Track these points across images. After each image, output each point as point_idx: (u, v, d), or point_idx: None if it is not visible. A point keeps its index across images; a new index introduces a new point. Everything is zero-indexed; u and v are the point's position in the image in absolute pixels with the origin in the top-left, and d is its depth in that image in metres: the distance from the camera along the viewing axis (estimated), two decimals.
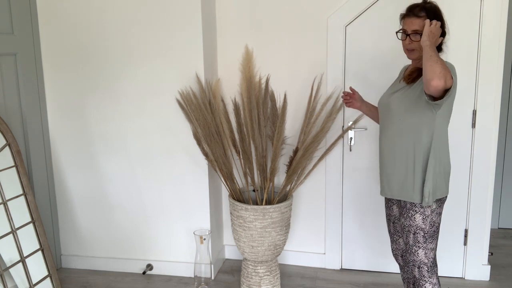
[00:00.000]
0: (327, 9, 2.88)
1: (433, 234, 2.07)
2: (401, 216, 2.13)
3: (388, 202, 2.27)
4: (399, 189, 2.10)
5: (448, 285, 2.93)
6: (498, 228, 3.77)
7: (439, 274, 2.97)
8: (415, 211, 2.06)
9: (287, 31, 2.96)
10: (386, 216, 2.32)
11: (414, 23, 2.00)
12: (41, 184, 3.06)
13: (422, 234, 2.06)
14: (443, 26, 2.02)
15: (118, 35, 2.88)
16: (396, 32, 2.12)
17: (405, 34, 2.04)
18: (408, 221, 2.08)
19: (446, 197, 2.11)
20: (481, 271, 2.99)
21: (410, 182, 2.05)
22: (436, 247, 2.12)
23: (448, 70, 1.83)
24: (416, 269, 2.12)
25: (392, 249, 2.35)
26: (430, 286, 2.11)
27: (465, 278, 3.02)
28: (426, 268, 2.10)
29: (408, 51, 2.07)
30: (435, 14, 2.00)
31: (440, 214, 2.08)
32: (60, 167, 3.15)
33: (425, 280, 2.11)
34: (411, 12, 2.02)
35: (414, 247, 2.09)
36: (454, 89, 1.93)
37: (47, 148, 3.10)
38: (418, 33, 1.98)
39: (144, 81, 2.91)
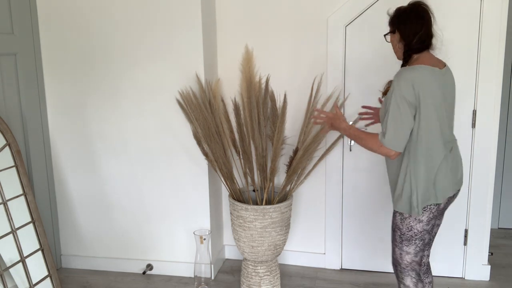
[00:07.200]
0: (327, 9, 2.88)
1: (410, 238, 2.05)
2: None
3: None
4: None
5: (448, 285, 2.93)
6: (498, 228, 3.77)
7: (439, 274, 2.99)
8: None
9: (287, 31, 2.96)
10: None
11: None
12: (41, 184, 3.06)
13: (399, 234, 2.08)
14: (401, 31, 2.04)
15: (118, 35, 2.88)
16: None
17: None
18: (393, 218, 2.12)
19: (433, 206, 2.02)
20: (481, 271, 2.99)
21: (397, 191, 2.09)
22: (415, 253, 2.07)
23: (368, 139, 2.03)
24: (393, 266, 2.18)
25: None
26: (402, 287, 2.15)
27: (465, 278, 3.02)
28: (399, 268, 2.13)
29: None
30: (395, 19, 2.07)
31: (420, 221, 2.02)
32: (60, 167, 3.15)
33: (399, 280, 2.16)
34: None
35: (392, 244, 2.14)
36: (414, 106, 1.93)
37: (47, 148, 3.10)
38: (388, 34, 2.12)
39: (144, 81, 2.91)
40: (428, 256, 2.24)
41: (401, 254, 2.10)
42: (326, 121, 2.30)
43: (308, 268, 3.22)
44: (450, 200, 2.12)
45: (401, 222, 2.06)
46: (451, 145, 2.06)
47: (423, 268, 2.24)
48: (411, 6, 2.03)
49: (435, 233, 2.23)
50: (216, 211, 3.17)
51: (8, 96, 2.80)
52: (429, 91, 1.92)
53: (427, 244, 2.17)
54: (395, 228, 2.10)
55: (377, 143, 1.99)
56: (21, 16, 2.84)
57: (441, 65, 2.05)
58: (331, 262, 3.20)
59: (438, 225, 2.22)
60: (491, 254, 3.11)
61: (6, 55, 2.76)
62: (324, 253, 3.21)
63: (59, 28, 2.95)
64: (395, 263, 2.14)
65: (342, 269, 3.20)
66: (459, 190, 2.15)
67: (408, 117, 1.93)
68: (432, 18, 2.02)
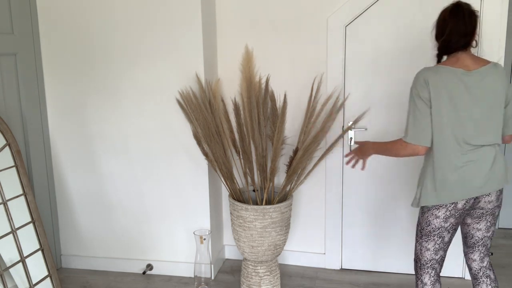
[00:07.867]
0: (327, 9, 2.88)
1: (429, 234, 2.07)
2: None
3: None
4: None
5: (448, 285, 2.93)
6: (498, 228, 3.77)
7: None
8: None
9: (287, 31, 2.96)
10: None
11: None
12: (41, 184, 3.06)
13: (420, 228, 2.11)
14: (438, 30, 2.04)
15: (118, 35, 2.88)
16: None
17: None
18: (418, 213, 2.15)
19: (449, 204, 2.00)
20: None
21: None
22: (435, 251, 2.08)
23: (393, 145, 2.06)
24: (414, 263, 2.20)
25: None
26: (421, 285, 2.15)
27: (465, 278, 3.02)
28: (419, 265, 2.15)
29: None
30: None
31: (437, 217, 2.02)
32: (60, 167, 3.15)
33: (417, 277, 2.17)
34: None
35: (415, 239, 2.17)
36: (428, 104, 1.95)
37: (47, 148, 3.10)
38: None
39: (144, 81, 2.91)
40: (476, 260, 2.19)
41: (421, 249, 2.12)
42: (357, 156, 2.33)
43: (308, 268, 3.22)
44: (477, 204, 2.04)
45: (421, 216, 2.09)
46: (476, 147, 1.96)
47: (471, 272, 2.23)
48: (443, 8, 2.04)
49: (481, 238, 2.14)
50: (216, 211, 3.17)
51: (8, 96, 2.80)
52: (442, 91, 1.92)
53: (468, 244, 2.19)
54: (418, 223, 2.14)
55: (402, 144, 2.01)
56: (21, 16, 2.84)
57: (475, 66, 1.96)
58: (331, 262, 3.20)
59: (479, 230, 2.13)
60: (491, 254, 3.10)
61: (6, 55, 2.77)
62: (324, 253, 3.21)
63: (59, 28, 2.95)
64: (416, 259, 2.17)
65: (342, 269, 3.20)
66: (489, 195, 2.03)
67: (426, 111, 1.95)
68: (465, 17, 1.94)
